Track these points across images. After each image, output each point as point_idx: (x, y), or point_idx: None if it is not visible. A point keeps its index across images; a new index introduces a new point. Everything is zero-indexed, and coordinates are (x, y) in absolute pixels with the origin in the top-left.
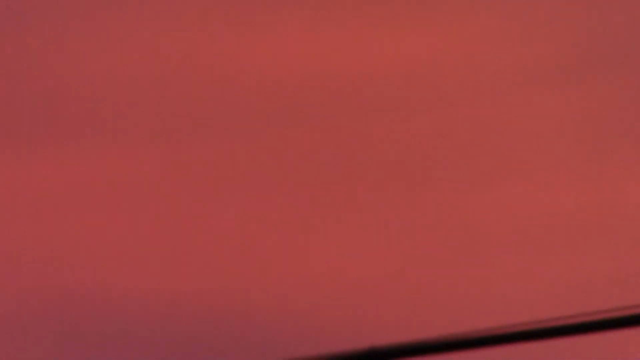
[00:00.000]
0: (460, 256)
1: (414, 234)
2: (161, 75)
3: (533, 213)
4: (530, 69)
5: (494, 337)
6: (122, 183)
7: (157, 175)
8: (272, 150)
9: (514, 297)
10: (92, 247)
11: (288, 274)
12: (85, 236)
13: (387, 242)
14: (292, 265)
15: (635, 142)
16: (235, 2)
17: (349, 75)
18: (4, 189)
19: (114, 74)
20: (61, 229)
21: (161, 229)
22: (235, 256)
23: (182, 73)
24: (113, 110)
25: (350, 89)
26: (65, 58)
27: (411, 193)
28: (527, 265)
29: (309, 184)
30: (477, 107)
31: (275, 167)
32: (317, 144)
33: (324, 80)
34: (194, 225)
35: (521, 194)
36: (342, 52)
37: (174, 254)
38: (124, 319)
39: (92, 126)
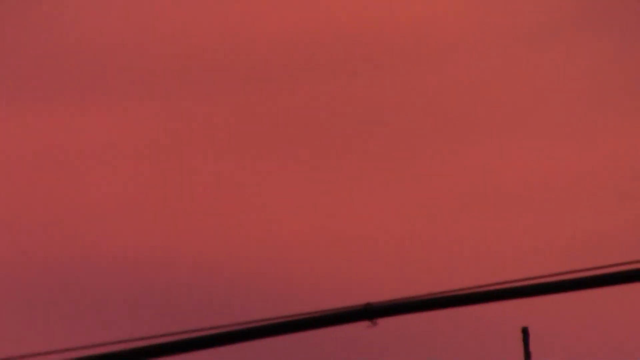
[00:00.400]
0: (456, 214)
1: (410, 192)
2: (160, 35)
3: (529, 169)
4: (524, 26)
5: (489, 294)
6: (119, 140)
7: (156, 132)
8: (269, 108)
9: (510, 253)
10: (90, 203)
11: (285, 232)
12: (83, 193)
13: (384, 200)
14: (289, 222)
15: (629, 99)
16: None
17: (345, 32)
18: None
19: (115, 31)
20: (59, 185)
21: (159, 186)
22: (233, 213)
23: (178, 34)
24: (112, 67)
25: (347, 46)
26: (68, 15)
27: (408, 150)
28: (524, 221)
29: (306, 140)
30: (473, 64)
31: (272, 124)
32: (313, 100)
33: (320, 37)
34: (191, 181)
35: (517, 150)
36: (337, 10)
37: (172, 211)
38: (122, 275)
39: (92, 83)
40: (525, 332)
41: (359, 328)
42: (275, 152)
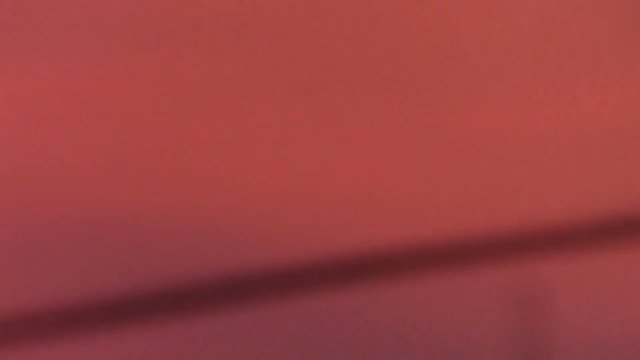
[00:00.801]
0: (459, 163)
1: (410, 141)
2: None
3: (536, 115)
4: None
5: (489, 243)
6: (116, 93)
7: (152, 85)
8: (267, 59)
9: (513, 204)
10: (87, 157)
11: (285, 179)
12: (80, 147)
13: (384, 149)
14: (288, 170)
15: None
16: None
17: None
18: None
19: None
20: (56, 139)
21: (154, 135)
22: (231, 163)
23: None
24: (109, 18)
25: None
26: None
27: (410, 99)
28: (527, 172)
29: (305, 91)
30: (472, 16)
31: (270, 76)
32: (311, 53)
33: None
34: (189, 135)
35: (526, 95)
36: None
37: (170, 159)
38: (122, 229)
39: (86, 34)
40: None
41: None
42: (275, 100)
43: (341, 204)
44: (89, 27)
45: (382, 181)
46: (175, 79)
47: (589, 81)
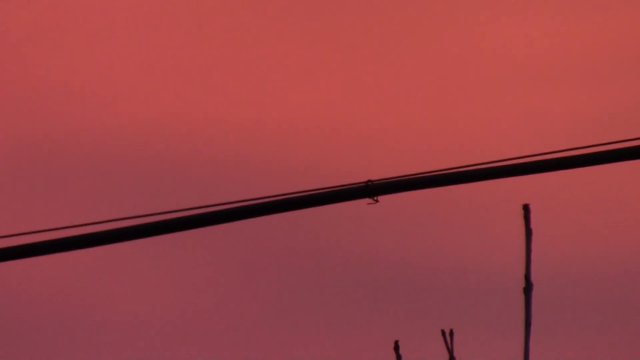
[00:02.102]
0: (457, 92)
1: (411, 71)
2: None
3: (531, 45)
4: None
5: (491, 171)
6: (119, 11)
7: (156, 3)
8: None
9: (512, 131)
10: (85, 78)
11: (288, 111)
12: (77, 67)
13: (385, 79)
14: (291, 101)
15: None
16: None
17: None
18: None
19: None
20: (52, 60)
21: (156, 60)
22: (235, 91)
23: None
24: None
25: None
26: None
27: (409, 30)
28: (526, 98)
29: (309, 19)
30: None
31: (275, 5)
32: None
33: None
34: (190, 57)
35: (520, 26)
36: None
37: (172, 87)
38: (117, 153)
39: None
40: (526, 209)
41: (360, 205)
42: (277, 29)
43: (338, 137)
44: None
45: (384, 114)
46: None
47: (570, 12)
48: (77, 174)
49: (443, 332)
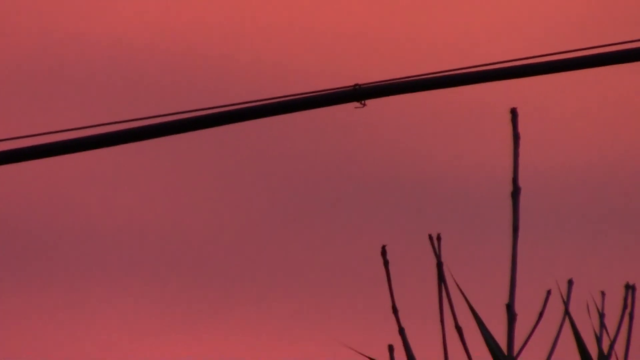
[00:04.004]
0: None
1: None
2: None
3: None
4: None
5: (478, 75)
6: None
7: None
8: None
9: (499, 34)
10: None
11: (275, 15)
12: None
13: None
14: (277, 4)
15: None
16: None
17: None
18: None
19: None
20: None
21: None
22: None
23: None
24: None
25: None
26: None
27: None
28: (514, 2)
29: None
30: None
31: None
32: None
33: None
34: None
35: None
36: None
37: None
38: (114, 57)
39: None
40: (514, 113)
41: (348, 109)
42: None
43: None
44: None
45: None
46: None
47: None
48: (75, 77)
49: (430, 237)
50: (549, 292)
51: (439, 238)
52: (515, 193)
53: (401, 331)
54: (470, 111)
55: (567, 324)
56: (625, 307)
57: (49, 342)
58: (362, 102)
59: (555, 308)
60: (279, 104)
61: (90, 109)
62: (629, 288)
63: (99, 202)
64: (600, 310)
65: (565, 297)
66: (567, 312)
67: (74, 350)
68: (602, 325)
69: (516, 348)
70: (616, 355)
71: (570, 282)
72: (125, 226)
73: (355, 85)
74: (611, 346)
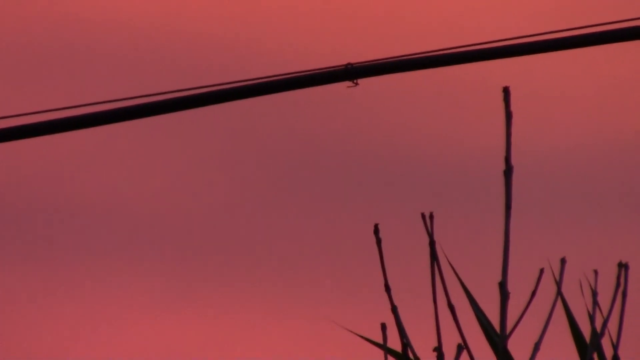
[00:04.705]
0: None
1: None
2: None
3: None
4: None
5: (471, 54)
6: None
7: None
8: None
9: (492, 14)
10: None
11: None
12: None
13: None
14: None
15: None
16: None
17: None
18: None
19: None
20: None
21: None
22: None
23: None
24: None
25: None
26: None
27: None
28: None
29: None
30: None
31: None
32: None
33: None
34: None
35: None
36: None
37: None
38: (112, 36)
39: None
40: (506, 91)
41: (340, 89)
42: None
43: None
44: None
45: None
46: None
47: None
48: (66, 56)
49: (423, 216)
50: (541, 271)
51: (431, 216)
52: (508, 171)
53: (394, 309)
54: (463, 90)
55: (559, 302)
56: (618, 285)
57: (36, 319)
58: (355, 81)
59: (548, 287)
60: (271, 83)
61: (81, 88)
62: (622, 266)
63: (90, 181)
64: (593, 289)
65: (558, 276)
66: (559, 291)
67: (61, 327)
68: (595, 303)
69: (509, 326)
70: (609, 334)
71: (563, 261)
72: (116, 205)
73: (348, 64)
74: (604, 324)
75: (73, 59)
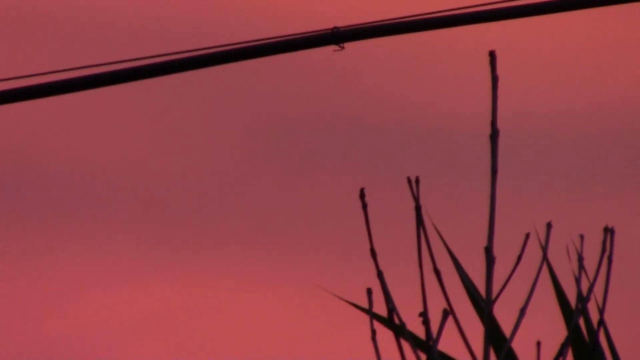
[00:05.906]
0: None
1: None
2: None
3: None
4: None
5: (456, 17)
6: None
7: None
8: None
9: None
10: None
11: None
12: None
13: None
14: None
15: None
16: None
17: None
18: None
19: None
20: None
21: None
22: None
23: None
24: None
25: None
26: None
27: None
28: None
29: None
30: None
31: None
32: None
33: None
34: None
35: None
36: None
37: None
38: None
39: None
40: (492, 55)
41: (327, 52)
42: None
43: None
44: None
45: None
46: None
47: None
48: (68, 18)
49: (409, 180)
50: (527, 236)
51: (417, 181)
52: (494, 135)
53: (379, 274)
54: (449, 54)
55: (545, 267)
56: (604, 250)
57: (35, 281)
58: (341, 45)
59: (534, 251)
60: (258, 46)
61: (82, 50)
62: (608, 231)
63: (90, 143)
64: (579, 253)
65: (544, 241)
66: (545, 256)
67: (56, 290)
68: (581, 268)
69: (495, 291)
70: (595, 298)
71: (549, 225)
72: (112, 167)
73: (334, 28)
74: (590, 289)
75: (59, 21)
